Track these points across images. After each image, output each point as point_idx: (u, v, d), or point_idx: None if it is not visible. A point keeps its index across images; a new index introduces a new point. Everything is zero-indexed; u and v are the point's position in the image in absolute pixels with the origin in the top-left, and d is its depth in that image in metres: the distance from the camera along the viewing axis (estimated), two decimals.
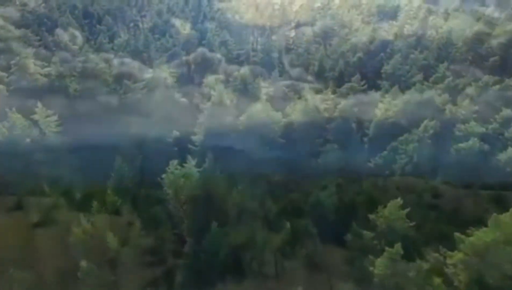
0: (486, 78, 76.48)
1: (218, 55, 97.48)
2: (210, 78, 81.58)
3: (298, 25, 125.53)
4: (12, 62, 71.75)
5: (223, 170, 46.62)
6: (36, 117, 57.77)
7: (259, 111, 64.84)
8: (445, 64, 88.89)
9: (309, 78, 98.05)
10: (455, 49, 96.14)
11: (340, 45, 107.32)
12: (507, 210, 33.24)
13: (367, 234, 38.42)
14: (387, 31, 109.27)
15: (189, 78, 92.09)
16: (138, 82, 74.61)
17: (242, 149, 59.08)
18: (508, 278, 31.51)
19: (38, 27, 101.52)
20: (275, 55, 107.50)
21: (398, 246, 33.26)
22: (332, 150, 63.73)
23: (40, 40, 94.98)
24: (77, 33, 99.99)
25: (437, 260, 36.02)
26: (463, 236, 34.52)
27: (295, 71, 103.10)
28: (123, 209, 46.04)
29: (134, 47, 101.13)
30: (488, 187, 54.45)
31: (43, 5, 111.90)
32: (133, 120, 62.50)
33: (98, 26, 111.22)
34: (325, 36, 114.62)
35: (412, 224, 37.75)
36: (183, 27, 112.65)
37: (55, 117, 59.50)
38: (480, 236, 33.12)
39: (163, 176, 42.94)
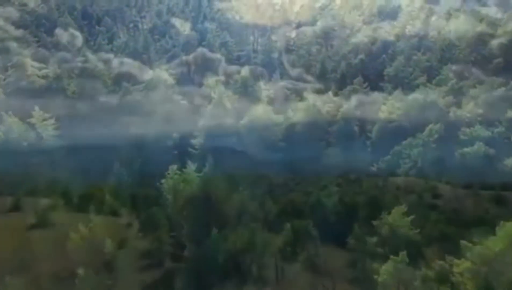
0: (490, 80, 75.64)
1: (218, 56, 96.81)
2: (210, 80, 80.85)
3: (299, 26, 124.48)
4: (9, 64, 71.01)
5: (223, 174, 45.81)
6: (33, 120, 57.03)
7: (260, 113, 64.11)
8: (449, 65, 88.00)
9: (311, 79, 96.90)
10: (458, 51, 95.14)
11: (342, 46, 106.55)
12: None
13: (370, 239, 37.65)
14: (388, 32, 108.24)
15: (189, 79, 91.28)
16: (138, 84, 73.92)
17: (243, 153, 58.35)
18: None
19: (37, 28, 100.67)
20: (276, 56, 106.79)
21: (403, 255, 32.41)
22: (334, 154, 62.93)
23: (38, 41, 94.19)
24: (76, 33, 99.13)
25: (443, 268, 35.23)
26: (470, 245, 33.69)
27: (296, 72, 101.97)
28: (121, 211, 45.26)
29: (133, 48, 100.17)
30: (496, 196, 52.31)
31: (42, 5, 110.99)
32: (132, 122, 61.80)
33: (97, 27, 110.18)
34: (326, 36, 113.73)
35: (417, 231, 36.95)
36: (183, 28, 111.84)
37: (52, 121, 58.84)
38: (488, 245, 32.26)
39: (163, 181, 42.06)
